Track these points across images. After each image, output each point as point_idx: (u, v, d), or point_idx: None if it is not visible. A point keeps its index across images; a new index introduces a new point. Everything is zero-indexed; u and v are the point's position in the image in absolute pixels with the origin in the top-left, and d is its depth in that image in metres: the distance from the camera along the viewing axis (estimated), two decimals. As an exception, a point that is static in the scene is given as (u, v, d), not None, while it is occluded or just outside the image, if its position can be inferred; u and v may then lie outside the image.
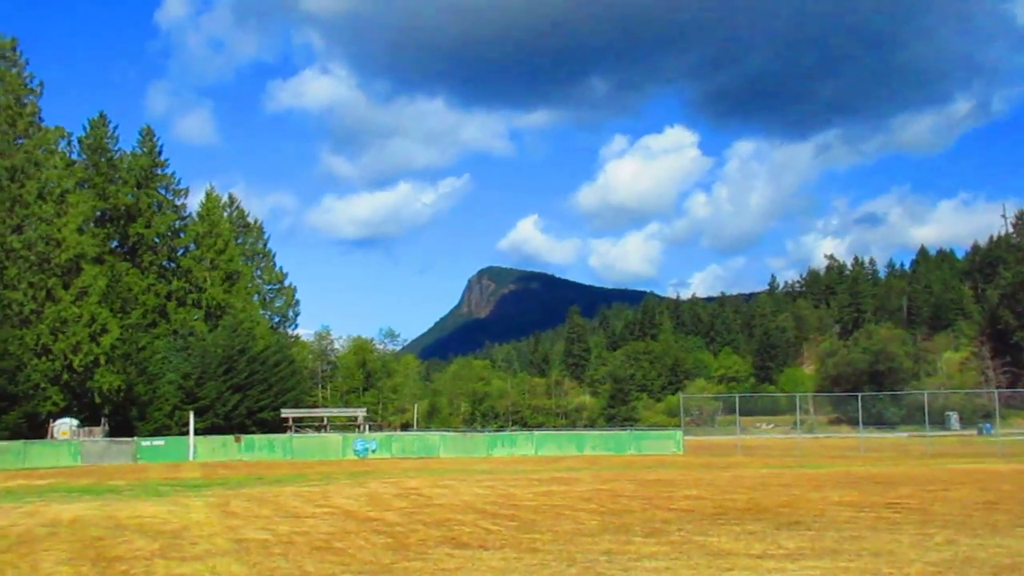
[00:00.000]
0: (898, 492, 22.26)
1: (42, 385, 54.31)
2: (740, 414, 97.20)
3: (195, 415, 58.10)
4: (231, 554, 13.38)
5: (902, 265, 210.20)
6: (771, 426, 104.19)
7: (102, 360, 57.22)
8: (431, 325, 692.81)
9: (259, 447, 46.96)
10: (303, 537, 15.21)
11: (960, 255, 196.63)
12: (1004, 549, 12.96)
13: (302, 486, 27.28)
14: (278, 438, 49.40)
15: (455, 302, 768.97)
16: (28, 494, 25.69)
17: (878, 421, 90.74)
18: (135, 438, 47.84)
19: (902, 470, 30.85)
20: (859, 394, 62.70)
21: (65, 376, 55.92)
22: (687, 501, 20.73)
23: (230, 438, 48.24)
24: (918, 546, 13.49)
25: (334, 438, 49.20)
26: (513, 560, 12.75)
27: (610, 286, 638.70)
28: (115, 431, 55.85)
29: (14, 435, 48.85)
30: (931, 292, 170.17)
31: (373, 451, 46.64)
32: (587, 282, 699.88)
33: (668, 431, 53.77)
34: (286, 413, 59.83)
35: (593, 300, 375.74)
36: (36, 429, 51.66)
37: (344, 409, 75.70)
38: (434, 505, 20.48)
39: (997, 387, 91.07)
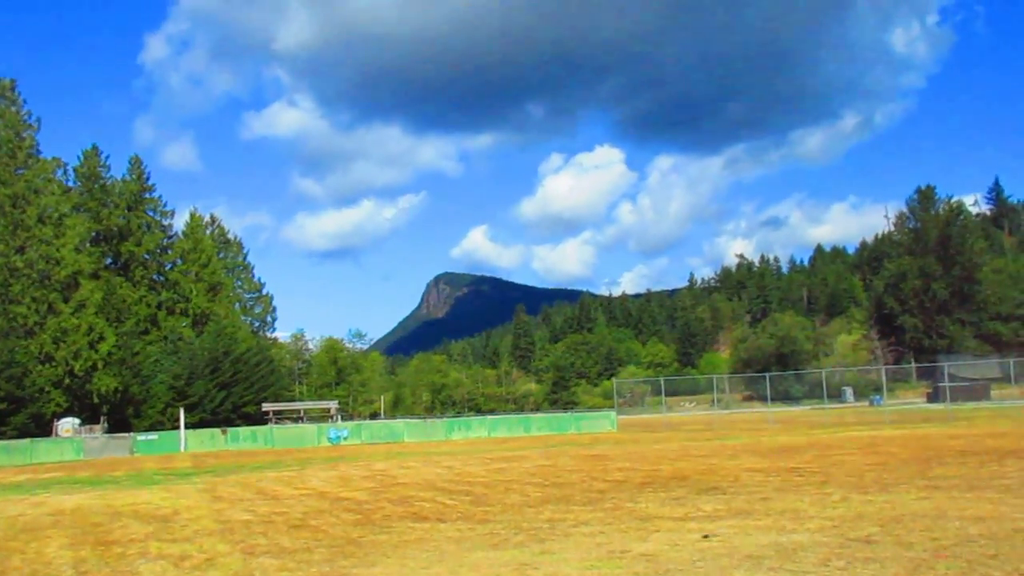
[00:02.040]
0: (801, 458, 22.52)
1: (46, 389, 53.30)
2: (666, 395, 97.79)
3: (185, 411, 57.18)
4: (217, 534, 13.22)
5: (802, 261, 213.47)
6: (693, 404, 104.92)
7: (100, 365, 56.31)
8: (394, 325, 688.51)
9: (243, 438, 46.37)
10: (281, 516, 15.06)
11: (851, 251, 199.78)
12: (891, 504, 13.16)
13: (281, 471, 27.01)
14: (260, 429, 48.77)
15: (415, 304, 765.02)
16: (35, 487, 25.18)
17: (784, 397, 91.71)
18: (132, 434, 47.09)
19: (804, 439, 31.23)
20: (767, 375, 63.33)
21: (67, 380, 54.94)
22: (620, 473, 20.80)
23: (217, 431, 47.56)
24: (818, 504, 13.66)
25: (310, 428, 48.73)
26: (467, 530, 12.72)
27: (551, 286, 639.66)
28: (113, 428, 54.87)
29: (22, 434, 47.92)
30: (827, 284, 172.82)
31: (345, 438, 46.24)
32: (531, 283, 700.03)
33: (604, 412, 53.96)
34: (267, 407, 59.10)
35: (537, 299, 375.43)
36: (42, 428, 50.67)
37: (319, 402, 75.02)
38: (398, 484, 20.37)
39: (885, 364, 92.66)
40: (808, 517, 12.22)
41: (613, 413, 50.68)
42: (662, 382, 60.72)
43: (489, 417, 52.55)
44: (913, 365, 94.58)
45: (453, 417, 62.41)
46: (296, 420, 59.20)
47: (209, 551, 11.51)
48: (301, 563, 10.22)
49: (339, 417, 63.67)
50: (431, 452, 34.32)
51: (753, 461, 22.18)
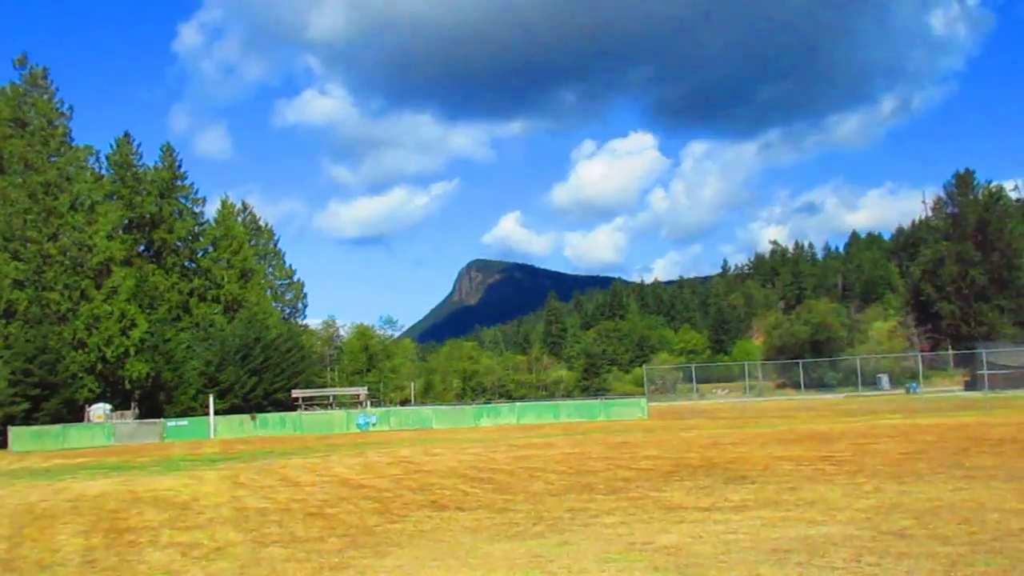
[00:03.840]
0: (833, 447, 21.96)
1: (79, 374, 53.54)
2: (697, 381, 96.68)
3: (216, 397, 57.41)
4: (231, 522, 12.99)
5: (836, 247, 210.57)
6: (726, 391, 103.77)
7: (132, 351, 56.51)
8: (427, 312, 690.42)
9: (272, 424, 46.38)
10: (300, 504, 14.82)
11: (887, 237, 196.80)
12: (925, 495, 12.68)
13: (307, 458, 26.83)
14: (289, 415, 48.77)
15: (447, 291, 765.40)
16: (62, 472, 25.17)
17: (819, 385, 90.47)
18: (162, 419, 47.22)
19: (838, 427, 30.58)
20: (800, 361, 62.46)
21: (99, 366, 55.19)
22: (647, 461, 20.38)
23: (247, 417, 47.64)
24: (850, 494, 13.20)
25: (339, 414, 48.59)
26: (486, 520, 12.40)
27: (583, 273, 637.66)
28: (145, 414, 55.10)
29: (55, 420, 48.18)
30: (862, 270, 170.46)
31: (374, 424, 46.11)
32: (563, 270, 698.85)
33: (634, 399, 53.35)
34: (296, 393, 59.04)
35: (569, 286, 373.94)
36: (74, 414, 50.90)
37: (348, 388, 75.00)
38: (422, 471, 20.09)
39: (921, 351, 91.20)
40: (839, 508, 11.77)
41: (643, 400, 50.11)
42: (693, 369, 60.12)
43: (518, 404, 52.11)
44: (950, 352, 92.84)
45: (482, 404, 62.04)
46: (326, 406, 59.15)
47: (220, 540, 11.27)
48: (311, 553, 9.94)
49: (368, 403, 63.58)
50: (458, 439, 34.03)
51: (784, 449, 21.66)
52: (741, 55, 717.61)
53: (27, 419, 48.29)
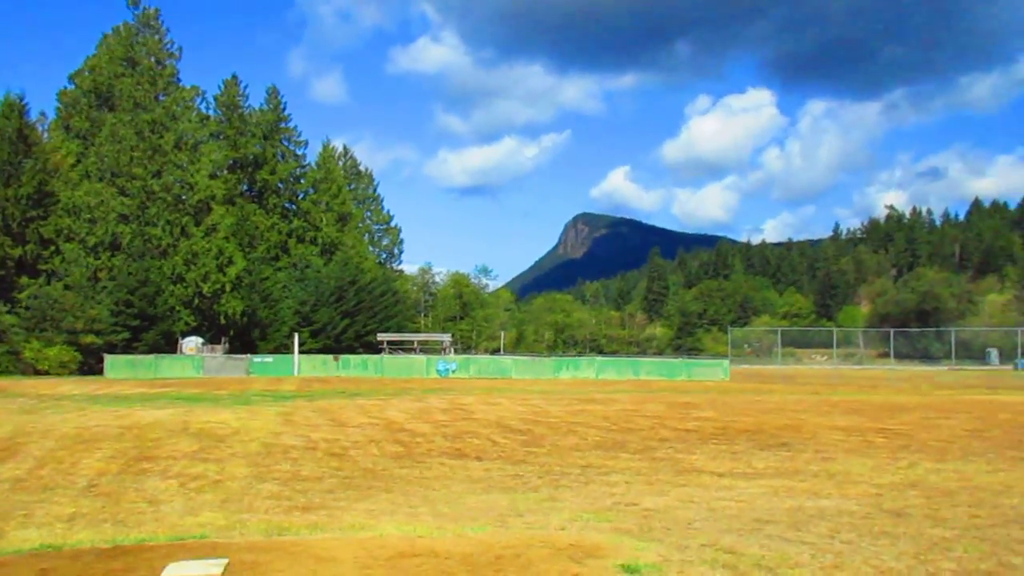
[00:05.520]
0: (898, 419, 21.12)
1: (176, 308, 55.66)
2: (798, 347, 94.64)
3: (310, 337, 59.09)
4: (251, 456, 13.26)
5: (957, 215, 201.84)
6: (825, 358, 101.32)
7: (228, 288, 58.39)
8: (531, 264, 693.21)
9: (354, 365, 47.30)
10: (328, 444, 15.01)
11: (1013, 206, 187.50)
12: (958, 474, 12.08)
13: (371, 399, 27.17)
14: (371, 358, 49.60)
15: (553, 244, 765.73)
16: (138, 400, 26.13)
17: (923, 355, 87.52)
18: (248, 355, 48.65)
19: (918, 399, 29.43)
20: (890, 330, 60.38)
21: (196, 300, 57.25)
22: (696, 422, 19.97)
23: (330, 357, 48.72)
24: (880, 469, 12.66)
25: (419, 359, 49.17)
26: (496, 470, 12.36)
27: (691, 231, 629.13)
28: (240, 349, 56.89)
29: (152, 350, 50.27)
30: (982, 240, 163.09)
31: (453, 371, 46.56)
32: (671, 227, 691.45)
33: (717, 360, 52.50)
34: (382, 336, 60.18)
35: (675, 243, 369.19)
36: (172, 346, 52.97)
37: (433, 334, 75.95)
38: (470, 419, 20.13)
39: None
40: (857, 482, 11.31)
41: (726, 362, 49.19)
42: (778, 333, 58.64)
43: (598, 358, 51.80)
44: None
45: (561, 357, 61.97)
46: (409, 351, 60.07)
47: (227, 473, 11.51)
48: (297, 492, 10.07)
49: (452, 350, 64.30)
50: (528, 390, 34.06)
51: (845, 419, 20.93)
52: (869, 9, 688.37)
53: (127, 348, 50.56)
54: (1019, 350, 59.46)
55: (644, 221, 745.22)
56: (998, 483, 11.21)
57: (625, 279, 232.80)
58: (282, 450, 14.07)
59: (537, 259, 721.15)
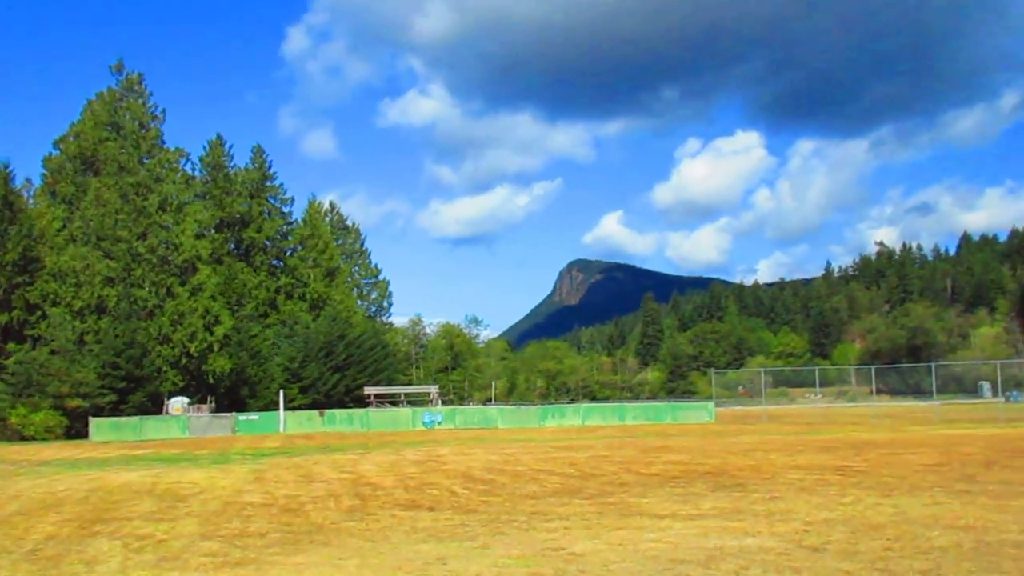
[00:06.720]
0: (862, 456, 21.41)
1: (163, 368, 55.86)
2: (791, 386, 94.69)
3: (299, 393, 59.19)
4: (205, 516, 13.49)
5: (947, 250, 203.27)
6: (818, 396, 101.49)
7: (215, 347, 58.61)
8: (526, 313, 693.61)
9: (339, 420, 47.48)
10: (289, 500, 15.25)
11: (1003, 239, 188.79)
12: (895, 508, 12.35)
13: (349, 454, 27.35)
14: (357, 412, 49.80)
15: (548, 291, 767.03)
16: (118, 462, 26.31)
17: (915, 391, 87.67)
18: (234, 413, 48.81)
19: (888, 435, 29.70)
20: (872, 367, 60.64)
21: (183, 360, 57.45)
22: (663, 465, 20.24)
23: (315, 413, 48.86)
24: (821, 506, 12.92)
25: (405, 412, 49.38)
26: (442, 520, 12.60)
27: (686, 274, 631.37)
28: (229, 407, 56.97)
29: (139, 412, 50.35)
30: (972, 273, 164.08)
31: (439, 423, 46.72)
32: (665, 271, 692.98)
33: (702, 402, 52.78)
34: (368, 390, 60.36)
35: (671, 287, 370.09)
36: (158, 407, 53.07)
37: (420, 387, 76.05)
38: (438, 470, 20.36)
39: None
40: (790, 520, 11.57)
41: (711, 404, 49.46)
42: (761, 374, 59.00)
43: (583, 405, 52.11)
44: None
45: (547, 404, 62.07)
46: (396, 404, 60.19)
47: (175, 532, 11.75)
48: (237, 547, 10.31)
49: (439, 402, 64.39)
50: (511, 439, 34.30)
51: (808, 458, 21.22)
52: (852, 48, 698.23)
53: (114, 411, 50.63)
54: (1002, 383, 59.64)
55: (638, 265, 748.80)
56: (929, 516, 11.48)
57: (620, 324, 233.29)
58: (239, 507, 14.31)
59: (533, 307, 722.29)
